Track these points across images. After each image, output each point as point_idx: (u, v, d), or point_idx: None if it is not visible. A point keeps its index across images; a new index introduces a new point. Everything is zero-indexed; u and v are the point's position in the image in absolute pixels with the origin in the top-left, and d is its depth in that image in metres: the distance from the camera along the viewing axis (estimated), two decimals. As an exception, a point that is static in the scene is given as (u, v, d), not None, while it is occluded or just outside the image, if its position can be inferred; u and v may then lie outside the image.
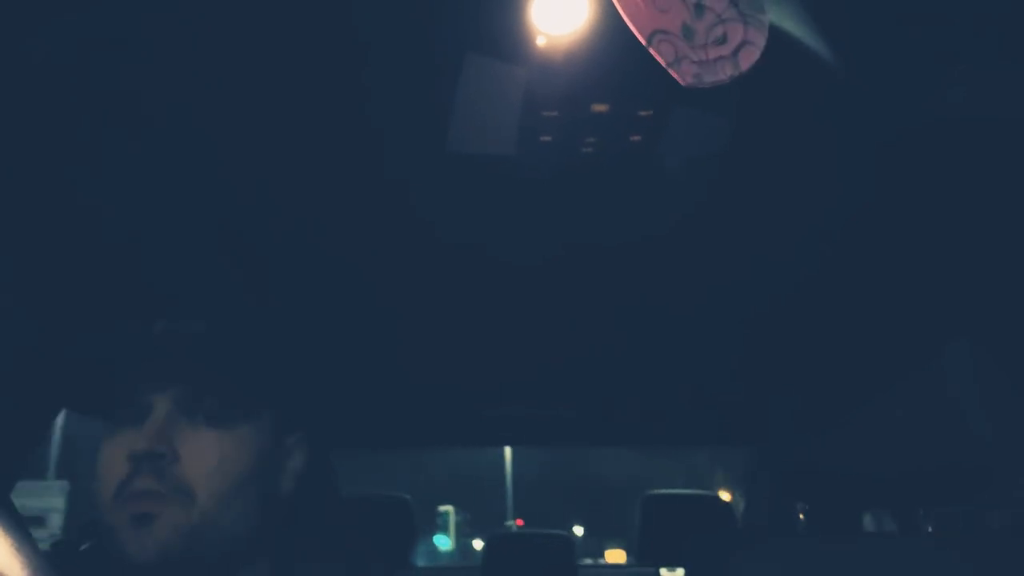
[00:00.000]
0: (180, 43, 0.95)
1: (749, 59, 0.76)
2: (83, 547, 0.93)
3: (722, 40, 0.75)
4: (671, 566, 3.16)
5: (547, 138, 1.13)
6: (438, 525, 15.62)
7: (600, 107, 1.07)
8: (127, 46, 0.94)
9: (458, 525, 16.10)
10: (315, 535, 0.95)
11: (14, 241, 1.24)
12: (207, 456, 0.84)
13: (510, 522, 15.98)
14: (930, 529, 2.01)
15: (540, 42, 0.96)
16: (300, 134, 1.13)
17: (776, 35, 0.81)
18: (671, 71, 0.74)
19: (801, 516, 2.53)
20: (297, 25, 0.93)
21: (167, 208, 1.27)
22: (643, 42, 0.74)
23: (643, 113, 1.08)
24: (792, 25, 0.81)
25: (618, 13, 0.75)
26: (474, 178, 1.24)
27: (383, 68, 1.00)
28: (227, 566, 0.86)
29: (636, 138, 1.14)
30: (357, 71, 1.01)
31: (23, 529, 0.57)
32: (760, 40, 0.76)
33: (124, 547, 0.79)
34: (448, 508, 15.95)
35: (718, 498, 3.01)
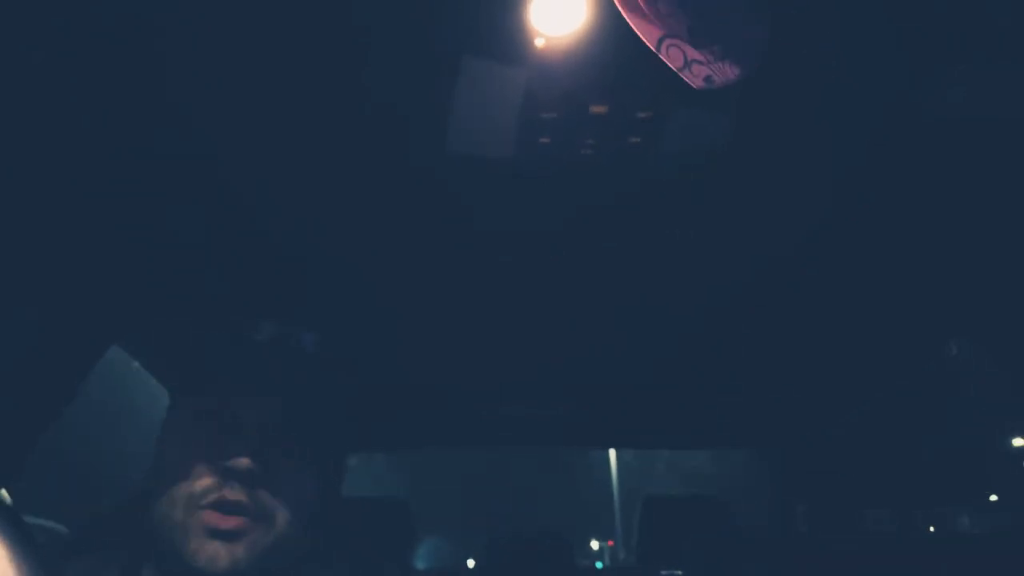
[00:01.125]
0: (184, 44, 0.95)
1: (755, 57, 0.76)
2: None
3: (727, 41, 0.76)
4: (671, 568, 3.16)
5: (546, 139, 1.13)
6: (594, 554, 19.54)
7: (599, 108, 1.07)
8: (159, 53, 0.94)
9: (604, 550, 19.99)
10: (319, 537, 0.95)
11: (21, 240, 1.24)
12: (291, 487, 0.84)
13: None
14: (931, 529, 2.01)
15: (539, 44, 0.96)
16: (299, 137, 1.13)
17: (776, 35, 0.81)
18: (682, 75, 0.75)
19: (805, 525, 2.53)
20: (297, 27, 0.93)
21: (172, 205, 1.27)
22: (652, 48, 0.74)
23: (642, 114, 1.08)
24: (792, 25, 0.81)
25: (616, 15, 0.76)
26: (474, 179, 1.24)
27: (382, 70, 1.00)
28: None
29: (635, 139, 1.14)
30: (356, 73, 1.01)
31: (22, 531, 0.57)
32: (763, 37, 0.76)
33: (196, 552, 0.78)
34: (598, 542, 20.03)
35: (718, 500, 3.00)
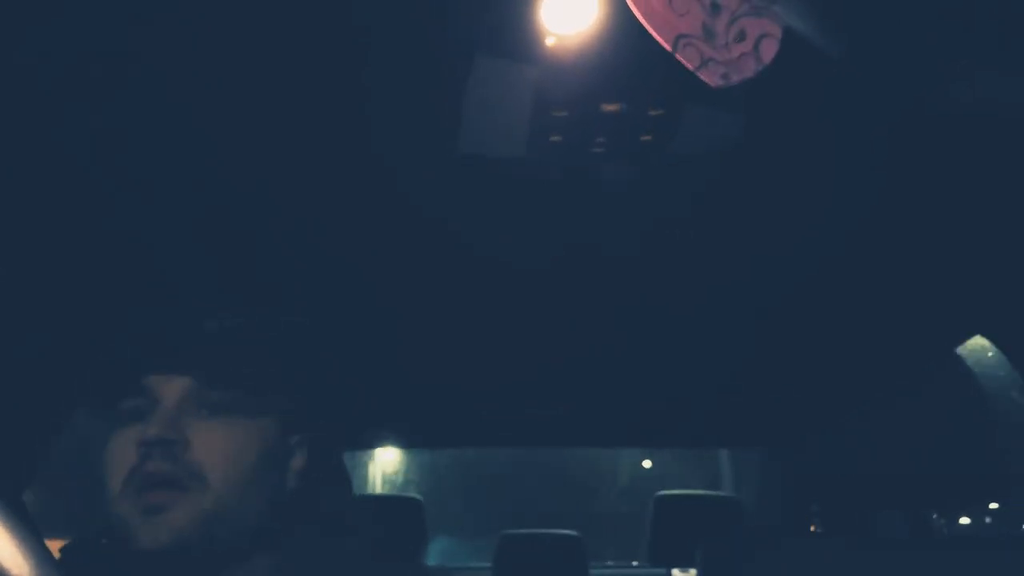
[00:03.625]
0: (190, 47, 0.95)
1: (770, 52, 0.76)
2: (103, 542, 0.93)
3: (741, 37, 0.75)
4: (683, 567, 3.15)
5: (557, 138, 1.13)
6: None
7: (610, 107, 1.07)
8: (151, 49, 0.94)
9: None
10: (331, 534, 0.95)
11: (18, 239, 1.25)
12: (217, 444, 0.84)
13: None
14: (944, 531, 2.00)
15: (550, 42, 0.96)
16: (309, 136, 1.13)
17: (784, 33, 0.81)
18: (699, 74, 0.75)
19: (813, 527, 2.52)
20: (307, 28, 0.94)
21: (175, 205, 1.28)
22: (667, 47, 0.74)
23: (653, 112, 1.08)
24: (797, 22, 0.81)
25: (626, 13, 0.76)
26: (485, 178, 1.24)
27: (393, 69, 1.00)
28: (234, 557, 0.86)
29: (646, 138, 1.14)
30: (367, 72, 1.01)
31: (32, 530, 0.57)
32: (777, 31, 0.76)
33: (137, 537, 0.79)
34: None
35: (731, 499, 3.00)
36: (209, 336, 0.89)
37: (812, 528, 2.55)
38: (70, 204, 1.22)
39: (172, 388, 0.85)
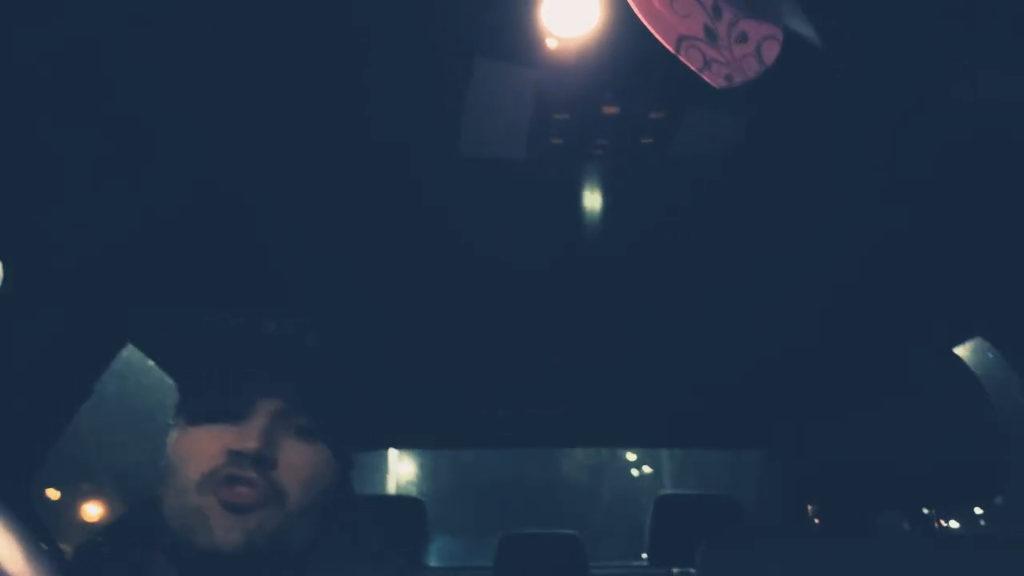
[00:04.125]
0: (194, 49, 0.96)
1: (772, 53, 0.76)
2: (104, 551, 0.93)
3: (743, 38, 0.76)
4: (684, 567, 3.15)
5: (558, 140, 1.14)
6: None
7: (611, 109, 1.08)
8: (156, 50, 0.95)
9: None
10: (334, 534, 0.96)
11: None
12: (299, 467, 0.86)
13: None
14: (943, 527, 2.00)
15: (551, 45, 0.96)
16: (310, 136, 1.14)
17: (785, 35, 0.81)
18: (702, 75, 0.75)
19: (816, 520, 2.52)
20: (310, 30, 0.94)
21: (180, 206, 1.29)
22: (670, 48, 0.74)
23: (654, 115, 1.09)
24: (799, 24, 0.82)
25: (627, 16, 0.76)
26: (486, 180, 1.25)
27: (395, 71, 1.01)
28: (293, 568, 0.87)
29: (647, 140, 1.14)
30: (368, 74, 1.02)
31: (37, 529, 0.57)
32: (779, 33, 0.77)
33: (211, 530, 0.79)
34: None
35: (731, 499, 2.99)
36: (307, 351, 0.90)
37: (816, 521, 2.55)
38: (73, 202, 1.23)
39: (268, 404, 0.86)
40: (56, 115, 1.04)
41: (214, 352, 0.90)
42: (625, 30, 0.88)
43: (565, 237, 1.42)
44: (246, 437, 0.83)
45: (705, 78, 0.75)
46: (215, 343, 0.90)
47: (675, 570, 3.21)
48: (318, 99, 1.06)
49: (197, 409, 0.88)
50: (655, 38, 0.77)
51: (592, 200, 1.30)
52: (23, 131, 1.07)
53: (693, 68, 0.75)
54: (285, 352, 0.89)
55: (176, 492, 0.83)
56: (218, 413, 0.86)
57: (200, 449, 0.84)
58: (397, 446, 3.90)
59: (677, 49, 0.75)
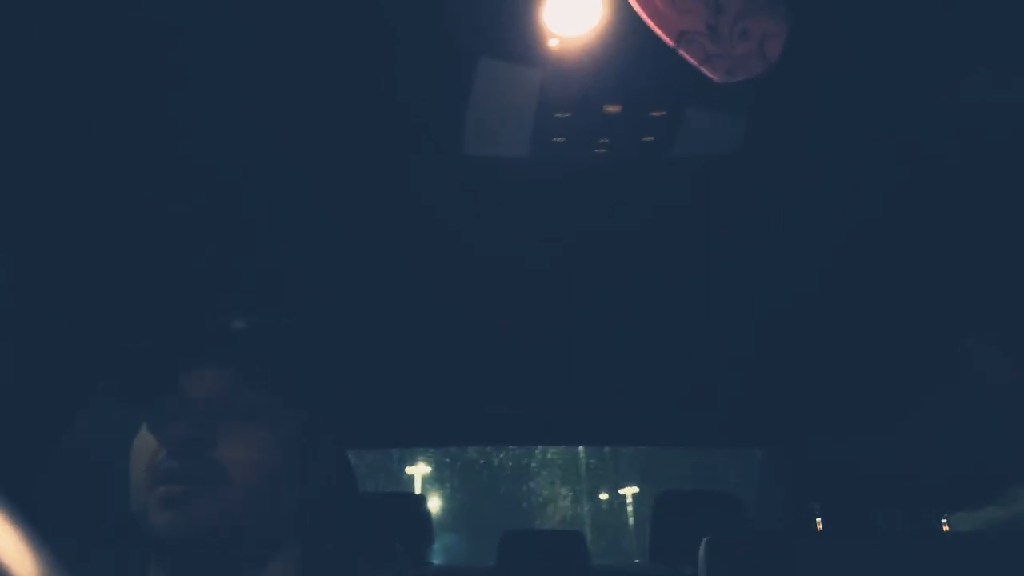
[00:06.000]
0: (197, 51, 0.96)
1: (775, 49, 0.76)
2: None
3: (745, 35, 0.76)
4: (686, 564, 3.15)
5: (560, 139, 1.14)
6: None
7: (612, 108, 1.08)
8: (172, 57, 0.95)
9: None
10: (338, 531, 0.96)
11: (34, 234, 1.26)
12: (243, 446, 0.84)
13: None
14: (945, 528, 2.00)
15: (553, 44, 0.96)
16: (313, 136, 1.14)
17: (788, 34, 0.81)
18: (703, 70, 0.75)
19: (818, 522, 2.53)
20: (313, 30, 0.94)
21: (186, 202, 1.29)
22: (672, 44, 0.74)
23: (655, 114, 1.09)
24: (806, 23, 0.82)
25: (628, 15, 0.76)
26: (488, 179, 1.25)
27: (397, 70, 1.01)
28: (253, 560, 0.86)
29: (649, 139, 1.14)
30: (370, 73, 1.02)
31: (38, 526, 0.58)
32: (781, 30, 0.77)
33: (157, 528, 0.79)
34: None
35: (733, 497, 2.99)
36: (238, 336, 0.89)
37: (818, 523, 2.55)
38: (82, 201, 1.23)
39: (201, 387, 0.85)
40: (55, 112, 1.05)
41: (153, 351, 0.90)
42: (626, 29, 0.88)
43: (567, 235, 1.42)
44: (179, 423, 0.82)
45: (705, 71, 0.76)
46: (153, 343, 0.90)
47: (677, 568, 3.22)
48: (320, 97, 1.06)
49: (146, 412, 0.87)
50: (657, 37, 0.77)
51: (594, 198, 1.31)
52: (20, 128, 1.07)
53: (693, 62, 0.76)
54: (216, 336, 0.88)
55: (133, 489, 0.83)
56: (161, 411, 0.85)
57: (142, 448, 0.83)
58: (398, 445, 3.91)
59: (677, 44, 0.75)
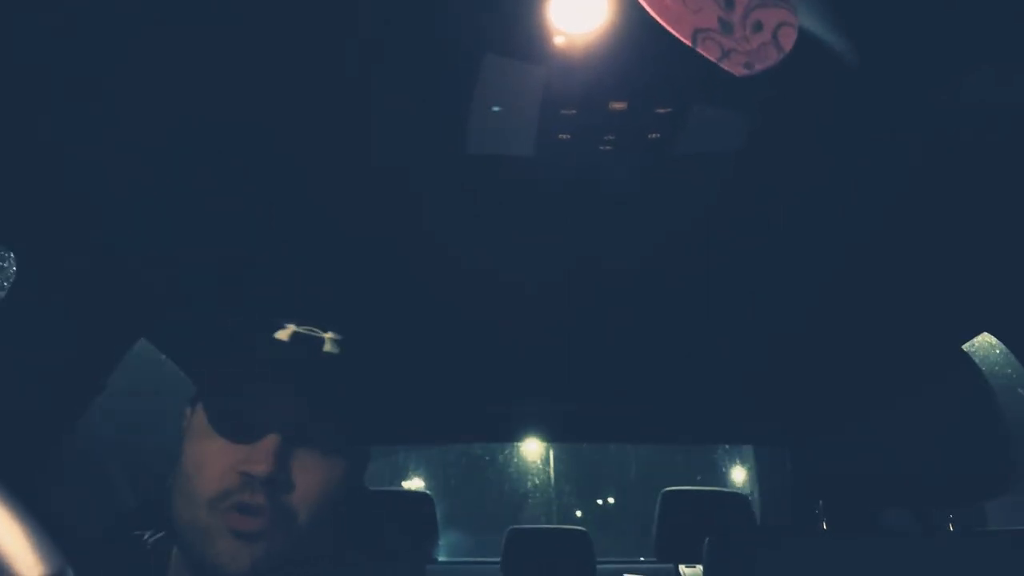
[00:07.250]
0: (198, 51, 0.96)
1: (789, 39, 0.76)
2: (151, 538, 0.94)
3: (759, 27, 0.76)
4: (690, 563, 3.15)
5: (565, 136, 1.14)
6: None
7: (618, 105, 1.08)
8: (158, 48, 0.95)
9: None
10: (346, 528, 0.96)
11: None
12: (317, 485, 0.85)
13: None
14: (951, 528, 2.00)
15: (558, 41, 0.96)
16: (317, 136, 1.14)
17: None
18: (721, 65, 0.75)
19: (824, 523, 2.53)
20: (313, 29, 0.95)
21: (183, 211, 1.29)
22: (686, 42, 0.74)
23: (661, 111, 1.09)
24: (808, 23, 0.82)
25: (635, 11, 0.76)
26: (492, 176, 1.25)
27: (402, 68, 1.01)
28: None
29: (655, 135, 1.14)
30: (375, 71, 1.02)
31: (45, 522, 0.58)
32: (793, 18, 0.77)
33: (217, 555, 0.80)
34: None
35: (738, 495, 3.00)
36: (313, 362, 0.88)
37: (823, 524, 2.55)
38: (91, 197, 1.24)
39: (282, 420, 0.85)
40: (71, 110, 1.05)
41: (228, 358, 0.89)
42: (632, 25, 0.88)
43: (572, 233, 1.42)
44: (258, 459, 0.82)
45: (725, 67, 0.76)
46: (229, 348, 0.90)
47: (682, 566, 3.22)
48: (322, 97, 1.06)
49: (211, 412, 0.87)
50: (662, 33, 0.77)
51: (599, 196, 1.30)
52: (35, 125, 1.08)
53: (712, 59, 0.76)
54: (299, 362, 0.87)
55: (186, 503, 0.83)
56: (231, 425, 0.85)
57: (211, 464, 0.83)
58: (400, 443, 3.91)
59: (694, 42, 0.75)
